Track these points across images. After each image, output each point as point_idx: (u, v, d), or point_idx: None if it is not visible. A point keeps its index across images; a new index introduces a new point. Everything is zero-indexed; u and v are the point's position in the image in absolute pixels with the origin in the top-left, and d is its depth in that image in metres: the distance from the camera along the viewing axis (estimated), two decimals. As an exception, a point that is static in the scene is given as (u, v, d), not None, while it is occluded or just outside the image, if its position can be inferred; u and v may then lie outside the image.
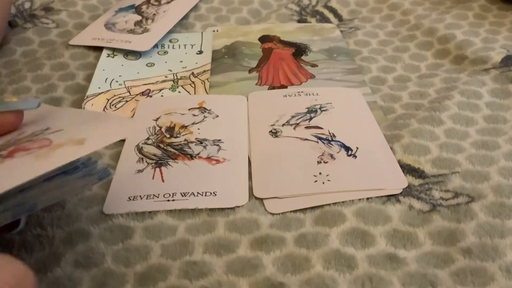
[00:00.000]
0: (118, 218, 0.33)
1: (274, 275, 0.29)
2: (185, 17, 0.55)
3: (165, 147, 0.38)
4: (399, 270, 0.29)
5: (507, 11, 0.55)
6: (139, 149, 0.38)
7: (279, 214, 0.33)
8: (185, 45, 0.51)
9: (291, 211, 0.33)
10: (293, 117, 0.41)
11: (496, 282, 0.28)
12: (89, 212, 0.33)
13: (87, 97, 0.44)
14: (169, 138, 0.39)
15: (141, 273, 0.29)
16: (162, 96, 0.44)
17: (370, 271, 0.29)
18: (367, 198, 0.33)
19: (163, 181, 0.35)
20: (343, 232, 0.31)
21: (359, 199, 0.33)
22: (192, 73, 0.47)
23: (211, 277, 0.29)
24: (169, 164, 0.37)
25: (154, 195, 0.34)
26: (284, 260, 0.30)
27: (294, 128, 0.40)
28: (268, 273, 0.29)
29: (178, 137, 0.39)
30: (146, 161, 0.37)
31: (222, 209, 0.33)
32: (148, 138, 0.39)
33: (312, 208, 0.33)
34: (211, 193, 0.34)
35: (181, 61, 0.49)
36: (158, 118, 0.41)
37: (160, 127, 0.40)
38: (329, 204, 0.33)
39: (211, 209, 0.33)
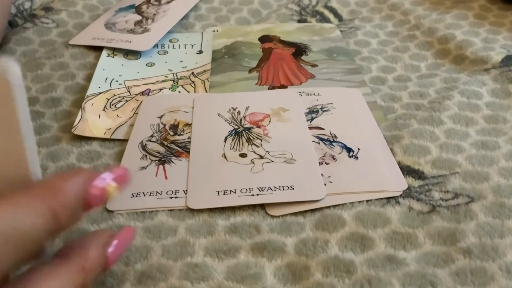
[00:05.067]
0: (118, 217, 0.33)
1: (274, 286, 0.29)
2: (185, 17, 0.55)
3: (168, 145, 0.38)
4: (399, 270, 0.29)
5: (507, 11, 0.55)
6: (143, 146, 0.38)
7: (279, 217, 0.33)
8: (185, 45, 0.51)
9: (291, 214, 0.33)
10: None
11: (496, 282, 0.28)
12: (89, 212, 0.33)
13: (87, 96, 0.44)
14: (172, 135, 0.39)
15: (142, 272, 0.30)
16: (163, 93, 0.44)
17: (369, 273, 0.29)
18: (367, 201, 0.34)
19: (166, 178, 0.36)
20: (342, 237, 0.31)
21: (359, 202, 0.33)
22: (192, 73, 0.47)
23: (212, 281, 0.29)
24: (173, 162, 0.37)
25: (157, 192, 0.34)
26: (285, 270, 0.30)
27: (294, 128, 0.40)
28: (269, 284, 0.29)
29: (181, 134, 0.39)
30: (149, 158, 0.37)
31: (222, 208, 0.33)
32: (152, 136, 0.39)
33: (312, 211, 0.33)
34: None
35: (181, 61, 0.49)
36: (162, 116, 0.41)
37: (164, 125, 0.40)
38: (329, 207, 0.33)
39: (211, 209, 0.33)
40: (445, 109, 0.41)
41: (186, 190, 0.35)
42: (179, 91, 0.45)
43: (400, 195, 0.34)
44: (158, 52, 0.50)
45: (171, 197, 0.34)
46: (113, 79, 0.46)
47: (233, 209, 0.34)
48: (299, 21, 0.55)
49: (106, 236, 0.27)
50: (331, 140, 0.39)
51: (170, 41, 0.52)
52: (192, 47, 0.51)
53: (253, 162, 0.36)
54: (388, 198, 0.34)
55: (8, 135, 0.24)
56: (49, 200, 0.23)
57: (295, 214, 0.33)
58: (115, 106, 0.43)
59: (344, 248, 0.31)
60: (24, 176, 0.25)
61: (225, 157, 0.37)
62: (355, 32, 0.53)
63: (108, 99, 0.44)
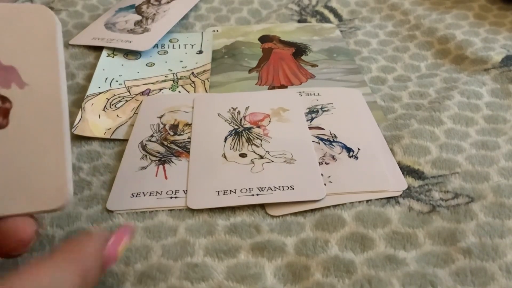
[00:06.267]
0: (118, 217, 0.33)
1: (274, 286, 0.29)
2: (185, 17, 0.55)
3: (168, 145, 0.38)
4: (399, 270, 0.29)
5: (507, 11, 0.55)
6: (143, 146, 0.38)
7: (279, 217, 0.33)
8: (185, 45, 0.51)
9: (291, 214, 0.33)
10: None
11: (496, 282, 0.28)
12: (89, 212, 0.33)
13: (87, 96, 0.44)
14: (172, 135, 0.39)
15: (142, 272, 0.30)
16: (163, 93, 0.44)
17: (369, 273, 0.29)
18: (367, 201, 0.34)
19: (166, 178, 0.36)
20: (342, 237, 0.31)
21: (359, 202, 0.33)
22: (192, 73, 0.47)
23: (212, 281, 0.29)
24: (173, 162, 0.37)
25: (157, 192, 0.34)
26: (285, 270, 0.30)
27: (294, 128, 0.40)
28: (269, 284, 0.29)
29: (181, 134, 0.39)
30: (149, 158, 0.37)
31: (222, 208, 0.33)
32: (152, 136, 0.39)
33: (312, 211, 0.33)
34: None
35: (181, 61, 0.49)
36: (162, 116, 0.41)
37: (164, 125, 0.40)
38: (329, 207, 0.33)
39: (211, 209, 0.33)
40: (445, 109, 0.41)
41: (186, 190, 0.35)
42: (179, 91, 0.45)
43: (400, 195, 0.34)
44: (158, 52, 0.50)
45: (171, 197, 0.34)
46: (113, 79, 0.46)
47: (233, 209, 0.34)
48: (299, 21, 0.55)
49: (102, 237, 0.27)
50: (331, 140, 0.39)
51: (170, 41, 0.52)
52: (192, 47, 0.51)
53: (253, 162, 0.36)
54: (388, 198, 0.34)
55: (49, 71, 0.25)
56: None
57: (295, 214, 0.33)
58: (115, 106, 0.43)
59: (344, 248, 0.31)
60: (56, 109, 0.25)
61: (225, 157, 0.37)
62: (355, 32, 0.53)
63: (108, 99, 0.44)
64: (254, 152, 0.37)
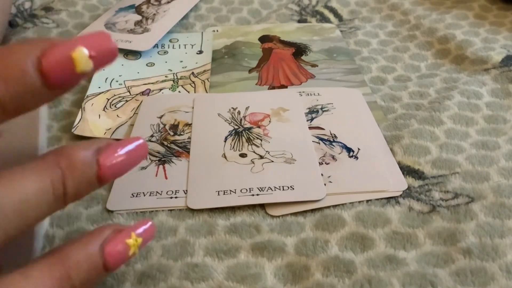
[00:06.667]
0: (118, 217, 0.33)
1: (274, 286, 0.29)
2: (185, 17, 0.55)
3: (168, 145, 0.38)
4: (399, 270, 0.29)
5: (507, 11, 0.55)
6: None
7: (279, 217, 0.33)
8: (185, 45, 0.51)
9: (291, 214, 0.33)
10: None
11: (496, 282, 0.28)
12: (89, 212, 0.33)
13: (87, 96, 0.44)
14: (172, 135, 0.39)
15: (142, 272, 0.30)
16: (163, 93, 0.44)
17: (369, 273, 0.29)
18: (367, 201, 0.34)
19: (166, 178, 0.36)
20: (342, 237, 0.31)
21: (359, 202, 0.33)
22: (192, 73, 0.47)
23: (212, 281, 0.29)
24: (173, 162, 0.37)
25: (157, 192, 0.34)
26: (285, 270, 0.30)
27: (294, 128, 0.40)
28: (269, 284, 0.29)
29: (182, 134, 0.39)
30: (149, 158, 0.37)
31: (222, 208, 0.33)
32: (152, 135, 0.39)
33: (312, 211, 0.33)
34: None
35: (181, 61, 0.49)
36: (162, 116, 0.41)
37: (164, 125, 0.40)
38: (329, 207, 0.33)
39: (211, 209, 0.33)
40: (445, 109, 0.41)
41: (186, 190, 0.35)
42: (179, 91, 0.45)
43: (400, 195, 0.34)
44: (158, 52, 0.50)
45: (171, 197, 0.34)
46: (113, 79, 0.46)
47: (233, 209, 0.34)
48: (299, 21, 0.55)
49: (103, 233, 0.24)
50: (331, 140, 0.39)
51: (170, 41, 0.52)
52: (192, 47, 0.51)
53: (253, 162, 0.36)
54: (388, 198, 0.34)
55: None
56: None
57: (295, 214, 0.33)
58: (115, 106, 0.43)
59: (344, 248, 0.31)
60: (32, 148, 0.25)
61: (225, 157, 0.37)
62: (355, 32, 0.53)
63: (108, 99, 0.44)
64: (254, 152, 0.37)
